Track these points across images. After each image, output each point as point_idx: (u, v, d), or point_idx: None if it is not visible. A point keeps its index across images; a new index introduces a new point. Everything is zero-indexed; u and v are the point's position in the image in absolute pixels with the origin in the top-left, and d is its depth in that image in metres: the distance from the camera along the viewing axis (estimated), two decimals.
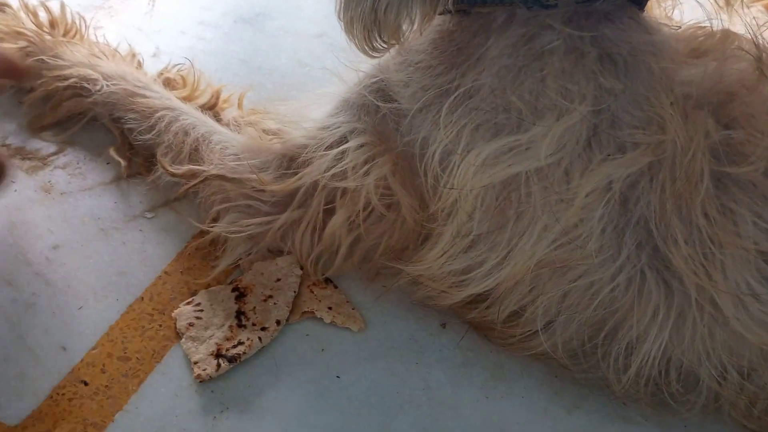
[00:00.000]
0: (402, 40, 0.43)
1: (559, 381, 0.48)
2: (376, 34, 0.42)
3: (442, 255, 0.44)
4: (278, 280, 0.50)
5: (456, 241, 0.43)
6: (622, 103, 0.40)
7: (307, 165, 0.49)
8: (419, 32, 0.43)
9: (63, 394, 0.44)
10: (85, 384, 0.44)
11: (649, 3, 0.44)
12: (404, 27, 0.42)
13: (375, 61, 0.49)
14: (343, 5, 0.43)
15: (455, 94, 0.44)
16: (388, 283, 0.51)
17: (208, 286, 0.50)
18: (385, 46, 0.43)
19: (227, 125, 0.57)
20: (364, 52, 0.44)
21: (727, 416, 0.47)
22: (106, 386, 0.44)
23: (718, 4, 0.43)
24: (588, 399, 0.48)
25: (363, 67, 0.50)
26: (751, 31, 0.40)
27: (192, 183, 0.52)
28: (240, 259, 0.51)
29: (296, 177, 0.49)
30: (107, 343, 0.46)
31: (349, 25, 0.42)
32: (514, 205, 0.42)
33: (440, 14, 0.45)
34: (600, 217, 0.40)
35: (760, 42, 0.40)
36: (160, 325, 0.48)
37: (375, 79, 0.49)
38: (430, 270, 0.45)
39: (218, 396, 0.45)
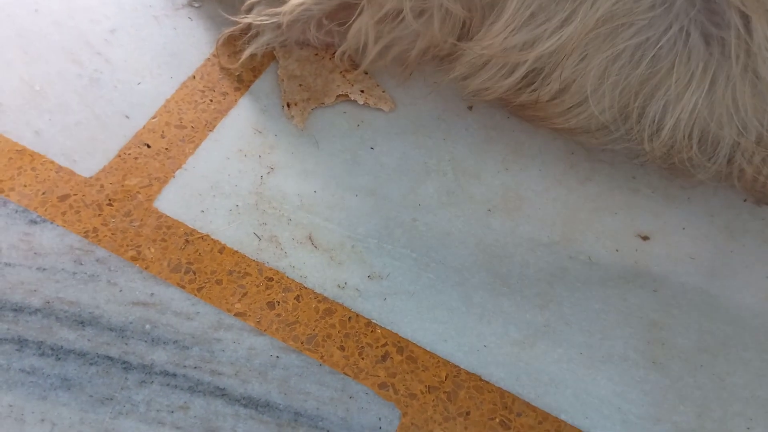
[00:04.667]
0: None
1: (575, 156, 0.53)
2: None
3: (505, 29, 0.46)
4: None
5: (520, 11, 0.45)
6: None
7: None
8: None
9: (129, 154, 0.49)
10: (148, 146, 0.50)
11: None
12: None
13: None
14: None
15: None
16: (437, 78, 0.54)
17: (237, 72, 0.54)
18: None
19: None
20: None
21: (730, 189, 0.51)
22: (166, 149, 0.50)
23: None
24: (600, 173, 0.52)
25: None
26: None
27: None
28: (267, 46, 0.55)
29: None
30: (165, 113, 0.51)
31: None
32: None
33: None
34: None
35: None
36: (211, 100, 0.52)
37: None
38: (491, 47, 0.47)
39: (265, 160, 0.50)
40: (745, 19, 0.41)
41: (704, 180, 0.49)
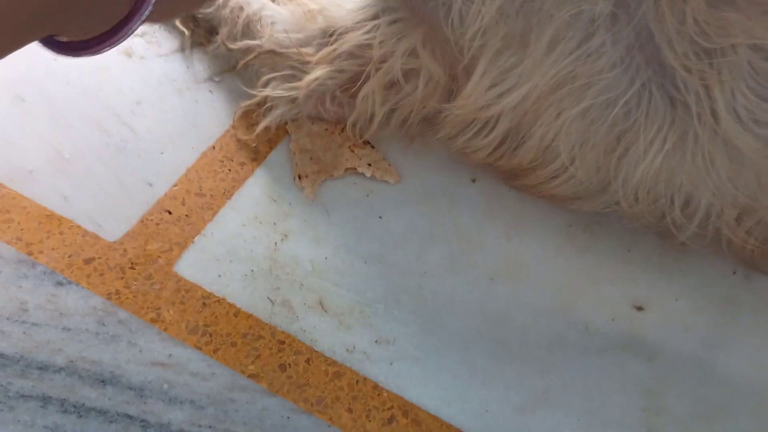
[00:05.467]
0: None
1: (573, 228, 0.55)
2: None
3: (475, 89, 0.49)
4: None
5: (488, 71, 0.49)
6: None
7: (344, 38, 0.55)
8: None
9: (151, 220, 0.52)
10: (169, 213, 0.53)
11: None
12: None
13: None
14: None
15: None
16: (426, 141, 0.57)
17: (253, 144, 0.57)
18: None
19: (279, 3, 0.63)
20: None
21: (722, 261, 0.54)
22: (186, 215, 0.53)
23: None
24: (597, 244, 0.55)
25: None
26: None
27: (247, 58, 0.58)
28: (281, 120, 0.58)
29: (332, 47, 0.55)
30: (186, 181, 0.54)
31: None
32: (533, 12, 0.46)
33: None
34: (609, 22, 0.44)
35: None
36: (229, 170, 0.56)
37: None
38: (465, 107, 0.51)
39: (279, 227, 0.53)
40: (706, 86, 0.44)
41: (690, 244, 0.52)
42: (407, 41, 0.52)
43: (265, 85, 0.58)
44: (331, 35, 0.57)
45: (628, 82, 0.45)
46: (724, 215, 0.48)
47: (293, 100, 0.57)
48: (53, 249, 0.50)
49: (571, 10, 0.45)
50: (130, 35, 0.37)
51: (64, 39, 0.36)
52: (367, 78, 0.54)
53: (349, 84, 0.56)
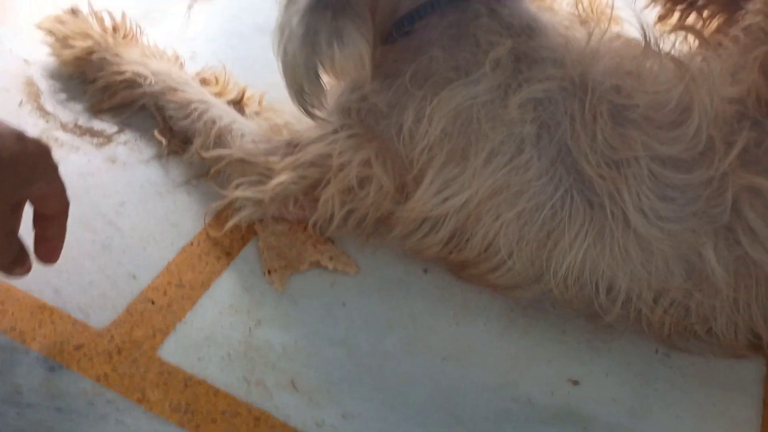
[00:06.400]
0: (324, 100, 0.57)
1: (514, 313, 0.62)
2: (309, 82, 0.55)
3: (423, 195, 0.58)
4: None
5: (435, 180, 0.57)
6: (533, 44, 0.55)
7: (306, 149, 0.63)
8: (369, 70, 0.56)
9: (136, 309, 0.57)
10: (152, 303, 0.58)
11: None
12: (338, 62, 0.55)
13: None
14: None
15: (417, 75, 0.57)
16: (381, 239, 0.65)
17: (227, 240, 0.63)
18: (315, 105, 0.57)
19: (248, 117, 0.71)
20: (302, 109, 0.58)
21: (645, 340, 0.61)
22: (168, 305, 0.58)
23: None
24: (535, 327, 0.62)
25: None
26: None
27: (218, 165, 0.66)
28: (249, 219, 0.64)
29: (296, 157, 0.63)
30: (167, 274, 0.60)
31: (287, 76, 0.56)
32: (471, 132, 0.55)
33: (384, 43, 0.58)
34: (534, 140, 0.54)
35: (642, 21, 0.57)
36: (207, 264, 0.62)
37: (358, 91, 0.62)
38: (413, 210, 0.58)
39: (253, 315, 0.59)
40: (617, 190, 0.53)
41: (615, 326, 0.59)
42: (362, 153, 0.60)
43: (235, 188, 0.65)
44: (295, 146, 0.64)
45: (553, 188, 0.54)
46: (642, 297, 0.56)
47: (259, 202, 0.64)
48: (45, 337, 0.54)
49: (504, 131, 0.55)
50: None
51: None
52: (327, 184, 0.62)
53: (310, 189, 0.64)
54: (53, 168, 0.49)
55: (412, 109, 0.57)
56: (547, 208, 0.55)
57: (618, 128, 0.53)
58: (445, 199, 0.57)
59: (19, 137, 0.46)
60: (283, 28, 0.56)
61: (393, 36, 0.59)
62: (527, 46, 0.55)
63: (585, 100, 0.53)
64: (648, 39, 0.56)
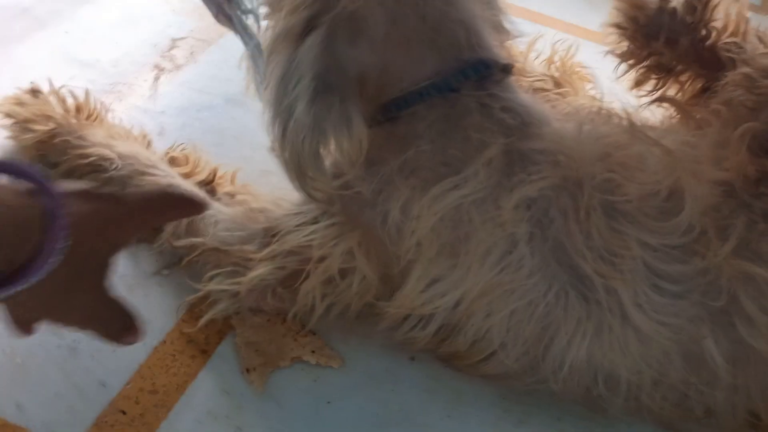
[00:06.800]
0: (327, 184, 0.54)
1: (507, 402, 0.60)
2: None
3: (411, 292, 0.55)
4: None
5: (423, 276, 0.54)
6: (526, 143, 0.53)
7: (285, 238, 0.59)
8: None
9: (106, 421, 0.53)
10: (123, 413, 0.54)
11: None
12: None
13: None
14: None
15: (404, 166, 0.55)
16: (368, 329, 0.61)
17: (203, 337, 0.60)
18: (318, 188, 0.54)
19: (220, 199, 0.67)
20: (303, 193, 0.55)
21: (645, 425, 0.59)
22: (141, 415, 0.54)
23: None
24: (530, 415, 0.59)
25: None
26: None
27: (191, 255, 0.62)
28: (224, 313, 0.61)
29: (273, 247, 0.59)
30: (139, 378, 0.56)
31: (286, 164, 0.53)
32: (462, 231, 0.53)
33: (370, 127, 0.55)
34: (528, 238, 0.52)
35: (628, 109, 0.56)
36: (181, 364, 0.58)
37: (340, 178, 0.58)
38: (402, 306, 0.56)
39: (233, 421, 0.55)
40: (612, 283, 0.51)
41: (616, 414, 0.57)
42: (345, 243, 0.57)
43: (210, 280, 0.61)
44: (273, 235, 0.61)
45: (547, 286, 0.52)
46: (642, 387, 0.54)
47: (236, 295, 0.60)
48: None
49: (497, 231, 0.52)
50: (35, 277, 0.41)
51: None
52: (308, 275, 0.59)
53: (290, 280, 0.60)
54: None
55: (398, 201, 0.54)
56: (542, 306, 0.53)
57: (611, 222, 0.51)
58: (435, 297, 0.55)
59: None
60: (281, 112, 0.52)
61: (378, 119, 0.56)
62: (520, 145, 0.53)
63: (578, 196, 0.52)
64: (633, 123, 0.55)
